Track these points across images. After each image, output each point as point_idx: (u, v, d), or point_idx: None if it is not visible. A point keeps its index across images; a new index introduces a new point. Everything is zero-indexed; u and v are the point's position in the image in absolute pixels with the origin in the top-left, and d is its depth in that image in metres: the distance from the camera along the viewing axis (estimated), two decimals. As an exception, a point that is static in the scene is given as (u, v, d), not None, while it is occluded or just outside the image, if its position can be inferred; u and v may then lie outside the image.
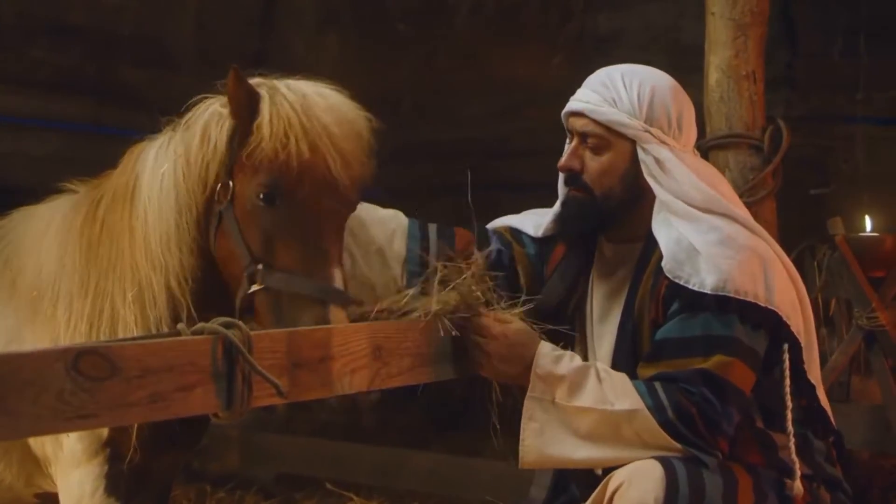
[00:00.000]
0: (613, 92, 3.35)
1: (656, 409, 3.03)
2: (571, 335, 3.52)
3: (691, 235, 3.22)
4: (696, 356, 3.11)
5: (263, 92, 3.07)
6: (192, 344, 2.57)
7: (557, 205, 3.54)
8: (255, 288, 2.99)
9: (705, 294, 3.13)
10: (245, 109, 3.05)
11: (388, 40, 9.13)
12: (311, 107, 3.02)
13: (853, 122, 7.54)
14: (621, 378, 3.11)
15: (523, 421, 3.10)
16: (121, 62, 8.18)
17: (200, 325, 2.64)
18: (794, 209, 4.53)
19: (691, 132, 3.43)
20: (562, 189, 3.49)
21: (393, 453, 6.23)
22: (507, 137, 8.73)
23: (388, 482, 6.11)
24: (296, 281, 2.95)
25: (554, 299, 3.53)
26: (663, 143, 3.31)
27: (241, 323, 2.63)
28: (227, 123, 3.11)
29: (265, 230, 3.01)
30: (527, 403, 3.10)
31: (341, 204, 3.06)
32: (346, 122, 3.07)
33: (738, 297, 3.12)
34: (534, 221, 3.65)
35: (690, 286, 3.15)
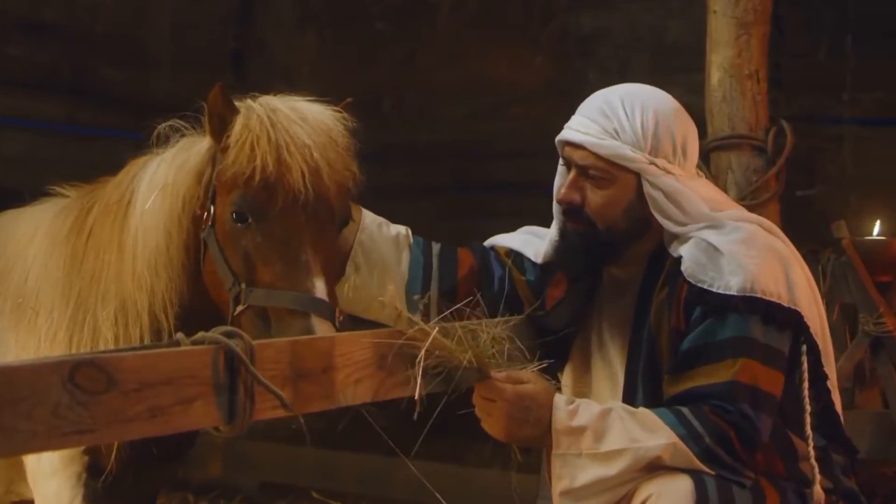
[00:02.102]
0: (615, 122, 3.18)
1: (692, 437, 2.92)
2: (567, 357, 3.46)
3: (711, 237, 3.13)
4: (725, 360, 3.01)
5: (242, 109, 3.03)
6: (193, 355, 2.45)
7: (555, 233, 3.38)
8: (240, 309, 2.92)
9: (731, 296, 3.03)
10: (224, 128, 3.00)
11: (368, 39, 9.02)
12: (280, 120, 2.96)
13: (840, 122, 7.50)
14: (644, 413, 2.98)
15: (553, 480, 2.96)
16: (97, 61, 8.06)
17: (200, 334, 2.52)
18: (781, 211, 4.46)
19: (695, 156, 3.31)
20: (558, 218, 3.35)
21: (380, 461, 6.12)
22: (489, 138, 8.62)
23: (376, 491, 6.02)
24: (276, 295, 2.87)
25: (561, 324, 3.42)
26: (668, 172, 3.18)
27: (242, 332, 2.52)
28: (207, 145, 3.07)
29: (243, 249, 2.95)
30: (553, 462, 2.94)
31: (319, 215, 2.96)
32: (320, 133, 3.00)
33: (764, 297, 3.03)
34: (534, 246, 3.51)
35: (715, 290, 3.05)
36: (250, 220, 2.93)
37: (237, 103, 3.03)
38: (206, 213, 3.03)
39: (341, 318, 2.86)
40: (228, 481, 6.58)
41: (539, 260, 3.47)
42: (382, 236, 3.45)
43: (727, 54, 4.29)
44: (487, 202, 8.51)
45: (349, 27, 9.12)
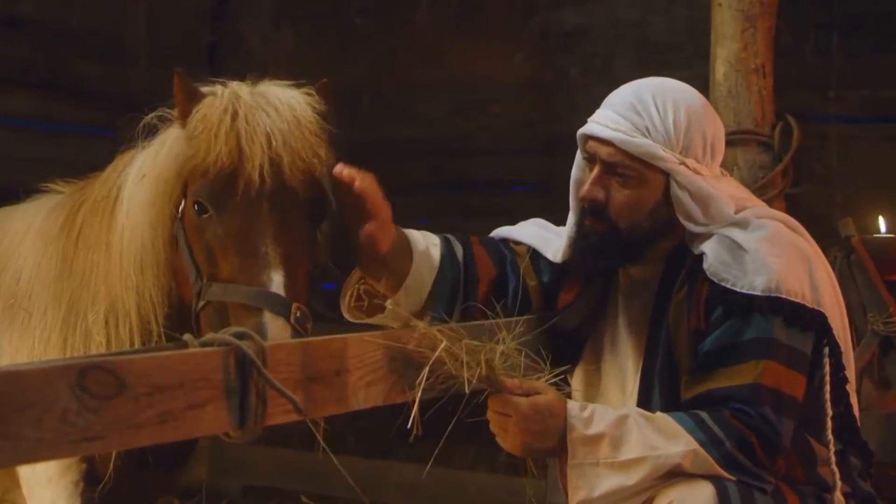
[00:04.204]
0: (647, 119, 3.07)
1: (712, 443, 2.85)
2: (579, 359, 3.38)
3: (735, 234, 3.06)
4: (748, 361, 2.93)
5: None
6: (204, 357, 2.34)
7: (572, 231, 3.28)
8: (201, 305, 2.82)
9: (755, 296, 2.95)
10: (188, 116, 2.90)
11: (347, 35, 8.92)
12: (241, 108, 2.85)
13: (825, 120, 7.44)
14: (662, 418, 2.90)
15: (570, 491, 2.87)
16: (72, 55, 7.94)
17: (209, 335, 2.43)
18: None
19: (721, 155, 3.22)
20: (577, 216, 3.25)
21: (371, 464, 6.02)
22: (469, 135, 8.56)
23: (367, 495, 5.91)
24: (231, 290, 2.76)
25: (571, 325, 3.34)
26: (697, 173, 3.09)
27: (254, 333, 2.42)
28: (180, 134, 2.96)
29: (205, 242, 2.84)
30: (570, 472, 2.85)
31: (282, 205, 2.83)
32: (285, 120, 2.88)
33: (788, 298, 2.95)
34: (553, 246, 3.39)
35: (738, 289, 2.97)
36: (210, 212, 2.82)
37: (207, 89, 2.92)
38: (179, 206, 2.94)
39: (298, 313, 2.70)
40: (213, 485, 6.48)
41: (558, 259, 3.36)
42: (429, 263, 3.29)
43: (732, 48, 4.21)
44: (467, 200, 8.46)
45: (327, 22, 9.02)
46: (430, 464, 3.22)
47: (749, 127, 4.15)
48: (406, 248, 3.24)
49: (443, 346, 2.79)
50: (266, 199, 2.80)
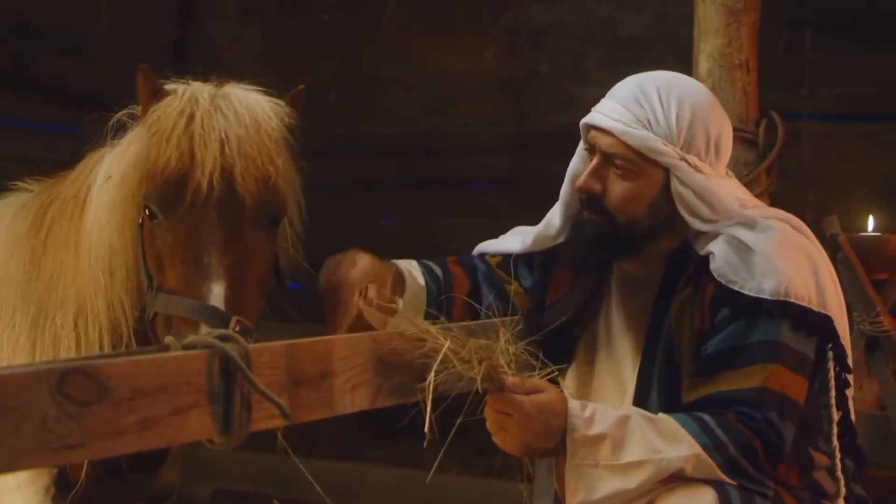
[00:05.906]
0: (649, 111, 3.00)
1: (715, 447, 2.78)
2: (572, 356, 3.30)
3: (743, 234, 2.99)
4: (755, 365, 2.87)
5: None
6: (188, 360, 2.25)
7: (558, 220, 3.24)
8: (151, 315, 2.77)
9: (763, 300, 2.89)
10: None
11: (314, 32, 8.87)
12: (199, 110, 2.76)
13: (798, 118, 7.42)
14: (665, 420, 2.83)
15: (568, 493, 2.79)
16: (36, 52, 7.85)
17: (192, 338, 2.33)
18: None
19: (727, 154, 3.16)
20: (571, 207, 3.19)
21: (347, 468, 5.94)
22: (438, 133, 8.51)
23: (340, 499, 5.83)
24: (173, 302, 2.69)
25: (564, 318, 3.26)
26: (699, 170, 3.02)
27: (238, 335, 2.33)
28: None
29: (154, 249, 2.77)
30: (568, 473, 2.76)
31: (231, 213, 2.74)
32: (242, 125, 2.79)
33: (797, 302, 2.90)
34: (521, 243, 3.35)
35: (746, 292, 2.90)
36: (159, 218, 2.75)
37: (172, 87, 2.85)
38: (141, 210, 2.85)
39: (238, 327, 2.58)
40: (183, 489, 6.40)
41: (527, 246, 3.32)
42: (415, 284, 3.25)
43: (716, 43, 4.16)
44: (435, 198, 8.43)
45: (293, 19, 8.98)
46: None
47: (733, 123, 4.06)
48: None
49: (447, 345, 2.71)
50: (214, 207, 2.72)
